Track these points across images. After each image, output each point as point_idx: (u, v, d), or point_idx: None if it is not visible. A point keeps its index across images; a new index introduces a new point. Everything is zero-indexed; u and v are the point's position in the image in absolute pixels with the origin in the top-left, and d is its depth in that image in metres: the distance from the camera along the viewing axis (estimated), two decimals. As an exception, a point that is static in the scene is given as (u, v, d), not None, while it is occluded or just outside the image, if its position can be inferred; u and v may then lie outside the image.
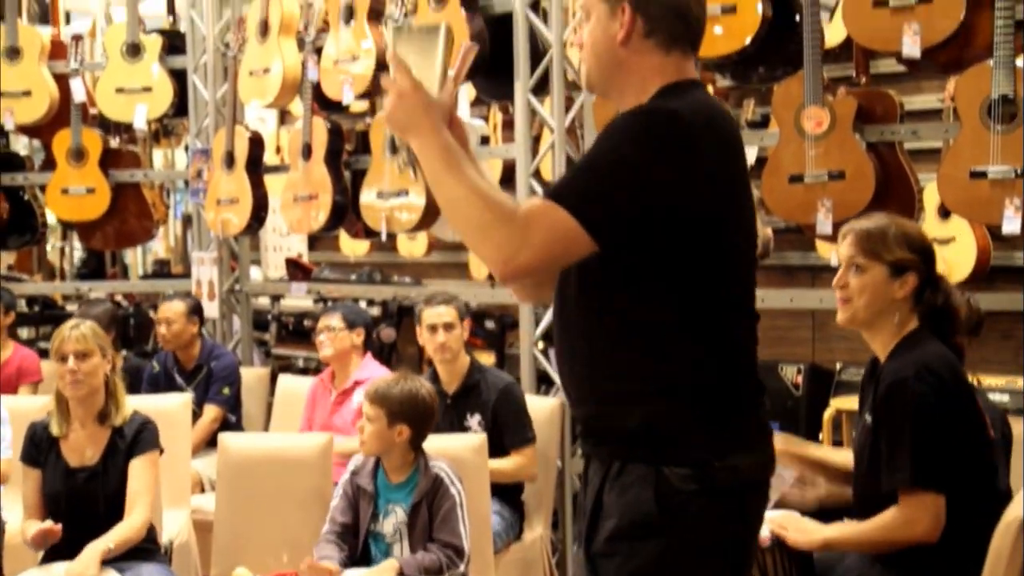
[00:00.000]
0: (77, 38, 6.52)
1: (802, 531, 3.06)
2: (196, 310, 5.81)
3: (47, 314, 7.76)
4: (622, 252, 2.17)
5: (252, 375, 6.11)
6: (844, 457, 3.31)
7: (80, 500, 3.92)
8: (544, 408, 4.87)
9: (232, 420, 5.77)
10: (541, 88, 5.07)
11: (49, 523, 3.78)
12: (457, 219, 2.19)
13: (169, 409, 4.95)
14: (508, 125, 6.32)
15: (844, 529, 3.06)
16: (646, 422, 2.21)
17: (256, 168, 6.08)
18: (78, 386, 3.93)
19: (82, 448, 3.99)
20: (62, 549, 3.85)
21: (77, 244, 10.09)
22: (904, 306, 3.02)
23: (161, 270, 10.50)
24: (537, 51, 5.02)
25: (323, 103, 5.81)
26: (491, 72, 5.10)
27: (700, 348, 2.21)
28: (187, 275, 7.02)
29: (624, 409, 2.23)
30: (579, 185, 2.17)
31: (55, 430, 3.99)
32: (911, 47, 4.12)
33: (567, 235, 2.12)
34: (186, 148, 10.97)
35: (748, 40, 4.45)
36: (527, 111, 5.02)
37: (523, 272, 2.18)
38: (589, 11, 2.34)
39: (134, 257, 10.07)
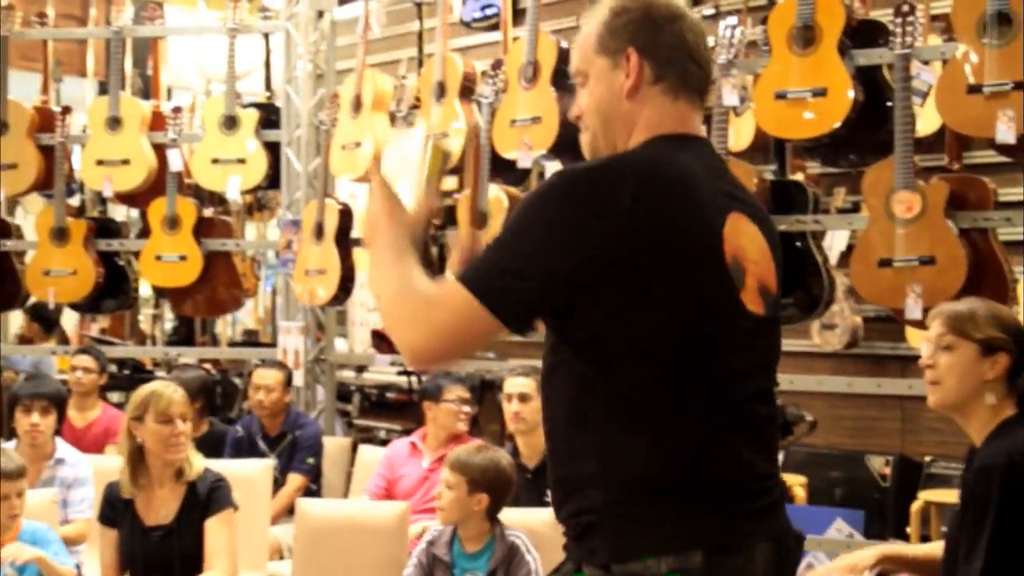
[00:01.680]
0: (177, 110, 6.69)
1: None
2: (290, 379, 5.90)
3: (136, 377, 7.88)
4: (555, 327, 2.02)
5: (334, 445, 6.15)
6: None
7: (156, 559, 3.95)
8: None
9: (314, 489, 5.80)
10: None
11: None
12: (381, 312, 2.10)
13: (251, 474, 5.00)
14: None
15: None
16: (579, 515, 2.02)
17: (345, 240, 6.16)
18: (180, 448, 3.99)
19: (157, 507, 4.02)
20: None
21: (169, 313, 10.30)
22: (997, 389, 2.93)
23: (249, 340, 10.66)
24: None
25: (412, 177, 5.87)
26: (579, 151, 5.12)
27: (637, 437, 1.96)
28: (274, 344, 7.11)
29: (566, 498, 2.05)
30: (481, 261, 1.98)
31: (126, 492, 4.03)
32: (1006, 133, 4.08)
33: (471, 318, 1.94)
34: (278, 221, 11.22)
35: (838, 124, 4.45)
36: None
37: (429, 360, 2.10)
38: (585, 74, 2.15)
39: (223, 327, 10.21)
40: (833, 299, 4.80)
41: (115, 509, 4.05)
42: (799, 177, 5.46)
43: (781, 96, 4.56)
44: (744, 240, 2.05)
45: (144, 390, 4.11)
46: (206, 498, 4.01)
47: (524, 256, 1.94)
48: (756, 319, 2.04)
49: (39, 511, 4.32)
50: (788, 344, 5.53)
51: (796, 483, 5.49)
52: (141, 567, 3.92)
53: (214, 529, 3.99)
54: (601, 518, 1.98)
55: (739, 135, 5.50)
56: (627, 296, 1.94)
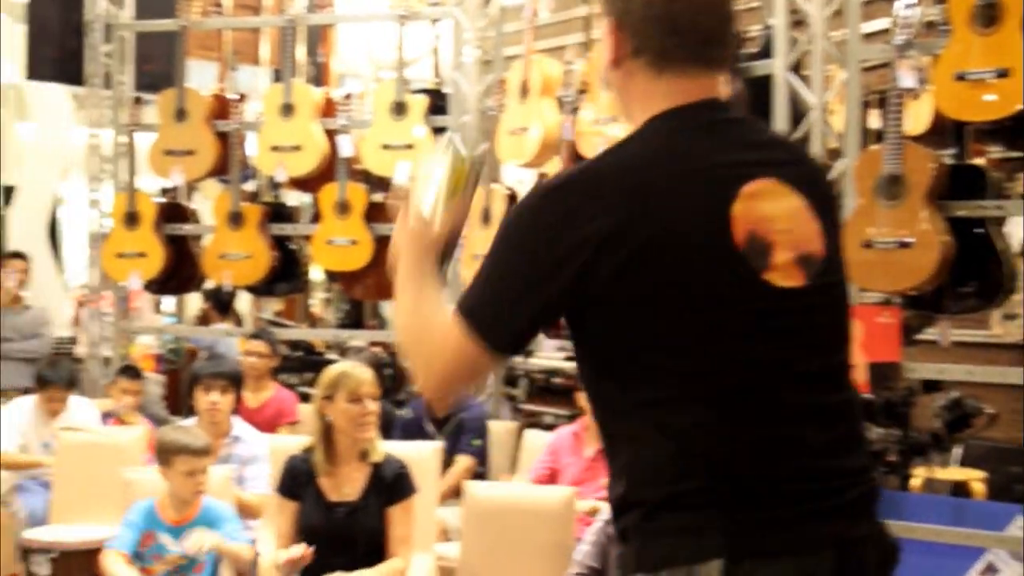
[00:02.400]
0: (348, 96, 6.81)
1: None
2: None
3: (308, 360, 8.06)
4: (569, 330, 1.92)
5: (501, 428, 6.19)
6: None
7: (340, 534, 4.04)
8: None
9: (480, 471, 5.85)
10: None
11: (301, 547, 3.89)
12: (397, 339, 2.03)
13: (421, 457, 5.05)
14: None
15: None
16: (616, 522, 1.93)
17: (511, 224, 6.17)
18: (368, 427, 4.07)
19: (341, 484, 4.11)
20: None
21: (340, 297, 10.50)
22: None
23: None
24: (796, 114, 4.96)
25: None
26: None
27: (656, 444, 1.84)
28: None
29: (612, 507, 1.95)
30: (476, 295, 1.88)
31: (318, 467, 4.12)
32: None
33: (470, 357, 1.85)
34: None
35: (1021, 106, 4.29)
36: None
37: (434, 395, 1.98)
38: None
39: (392, 309, 10.37)
40: (1015, 288, 4.64)
41: (297, 482, 4.15)
42: (980, 161, 5.29)
43: (961, 77, 4.42)
44: (768, 208, 1.85)
45: (334, 371, 4.20)
46: (391, 483, 4.10)
47: (512, 287, 1.84)
48: (792, 293, 1.85)
49: (216, 487, 4.47)
50: (967, 334, 5.36)
51: (975, 478, 5.33)
52: (324, 540, 4.00)
53: (398, 517, 4.07)
54: (629, 525, 1.87)
55: (917, 118, 5.34)
56: (619, 307, 1.81)
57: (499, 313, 1.85)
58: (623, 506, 1.87)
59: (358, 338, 7.63)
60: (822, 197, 1.94)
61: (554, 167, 6.32)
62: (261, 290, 7.41)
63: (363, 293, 7.17)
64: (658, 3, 1.89)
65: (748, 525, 1.78)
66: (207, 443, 4.31)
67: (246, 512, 4.83)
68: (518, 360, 7.19)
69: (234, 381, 5.21)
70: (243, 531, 4.29)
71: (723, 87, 1.97)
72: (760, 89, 5.03)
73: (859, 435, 1.96)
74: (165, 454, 4.28)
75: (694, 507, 1.80)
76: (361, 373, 4.13)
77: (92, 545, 4.93)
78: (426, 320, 1.92)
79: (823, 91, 4.86)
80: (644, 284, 1.79)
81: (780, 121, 4.91)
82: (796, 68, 4.94)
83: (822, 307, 1.90)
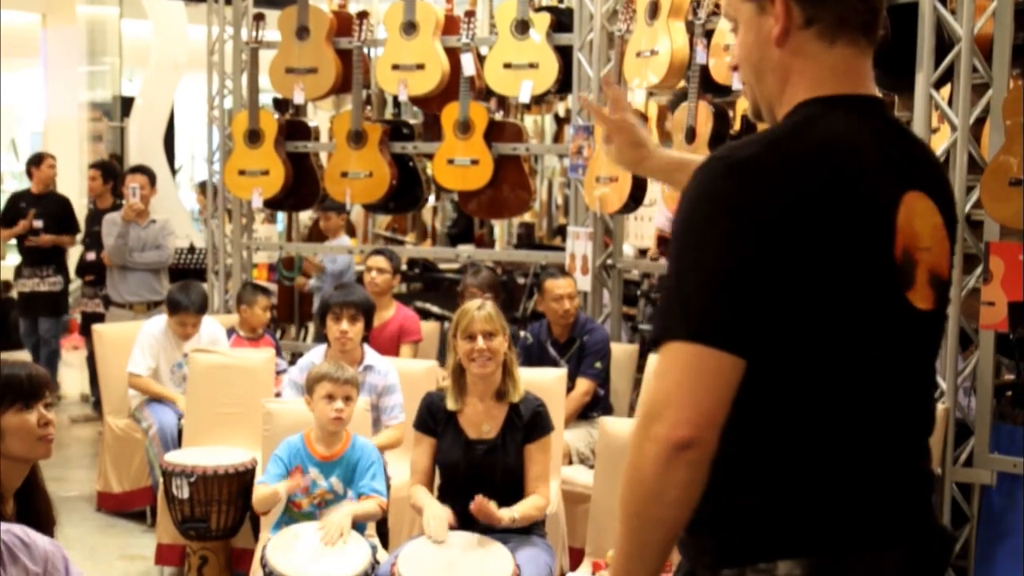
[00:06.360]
0: (469, 13, 6.74)
1: None
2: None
3: (427, 276, 8.12)
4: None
5: (621, 351, 6.20)
6: None
7: (479, 471, 4.09)
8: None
9: (601, 394, 5.87)
10: (941, 83, 4.86)
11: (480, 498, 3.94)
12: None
13: (546, 383, 5.09)
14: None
15: None
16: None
17: (637, 148, 6.11)
18: (486, 364, 4.10)
19: (479, 422, 4.15)
20: (460, 515, 4.02)
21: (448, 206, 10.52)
22: None
23: (527, 234, 10.80)
24: (942, 44, 4.80)
25: (708, 86, 5.77)
26: (890, 63, 4.92)
27: (754, 442, 1.79)
28: (552, 247, 7.20)
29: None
30: (683, 303, 1.73)
31: (451, 404, 4.17)
32: None
33: (704, 367, 1.69)
34: (556, 116, 11.26)
35: None
36: (928, 105, 4.81)
37: (694, 439, 1.69)
38: (735, 18, 1.92)
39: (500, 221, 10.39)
40: None
41: (435, 419, 4.21)
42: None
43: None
44: (918, 224, 1.80)
45: (460, 309, 4.23)
46: (529, 421, 4.13)
47: (714, 278, 1.70)
48: (923, 316, 1.83)
49: (354, 417, 4.50)
50: None
51: None
52: (463, 476, 4.07)
53: (535, 454, 4.12)
54: (708, 516, 1.79)
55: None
56: (780, 290, 1.71)
57: (714, 312, 1.70)
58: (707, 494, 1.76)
59: (475, 256, 7.63)
60: (952, 218, 1.92)
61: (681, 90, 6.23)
62: (380, 208, 7.45)
63: (478, 210, 7.17)
64: None
65: (835, 521, 1.78)
66: (351, 375, 4.37)
67: (386, 447, 4.91)
68: (635, 276, 7.18)
69: (364, 309, 5.25)
70: (382, 480, 4.36)
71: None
72: (902, 17, 4.87)
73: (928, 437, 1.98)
74: (310, 383, 4.36)
75: (777, 502, 1.78)
76: (476, 310, 4.15)
77: (229, 469, 5.06)
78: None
79: (972, 20, 4.68)
80: (810, 272, 1.71)
81: (926, 51, 4.76)
82: (943, -3, 4.76)
83: (933, 329, 1.90)
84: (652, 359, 5.85)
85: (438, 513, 4.00)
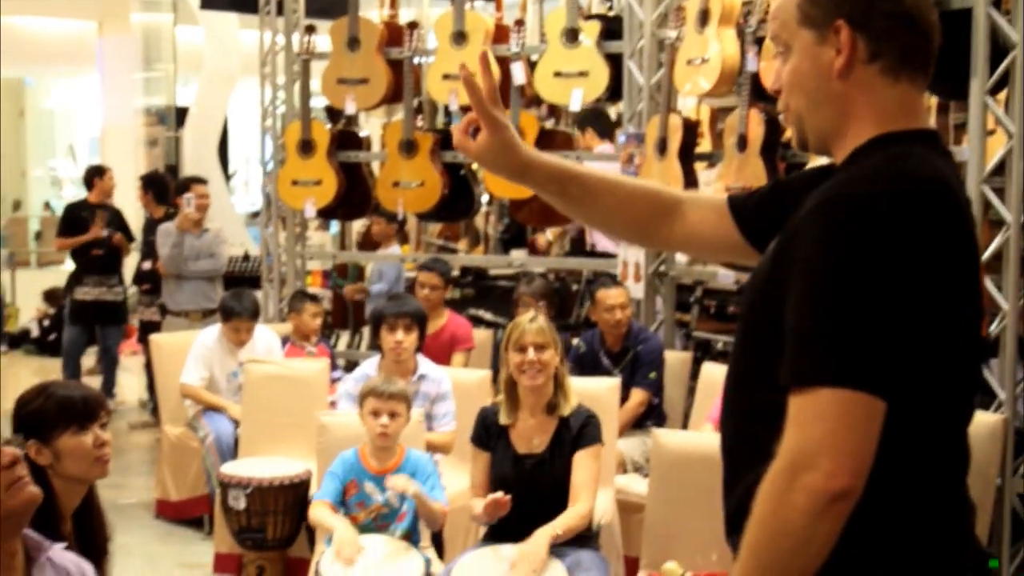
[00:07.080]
0: (519, 22, 6.75)
1: None
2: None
3: (480, 284, 8.14)
4: None
5: (675, 359, 6.18)
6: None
7: (527, 485, 4.11)
8: (985, 424, 4.67)
9: (655, 403, 5.87)
10: (996, 89, 4.81)
11: (499, 494, 3.96)
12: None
13: (598, 392, 5.10)
14: (959, 126, 6.03)
15: None
16: None
17: (688, 155, 6.11)
18: (536, 376, 4.11)
19: (530, 436, 4.17)
20: (507, 529, 4.05)
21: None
22: None
23: (579, 238, 10.78)
24: (997, 50, 4.75)
25: (759, 94, 5.75)
26: (942, 69, 4.87)
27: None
28: (605, 254, 7.19)
29: None
30: (827, 346, 1.67)
31: (503, 419, 4.19)
32: None
33: (858, 413, 1.64)
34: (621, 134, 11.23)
35: None
36: (982, 112, 4.77)
37: (852, 489, 1.65)
38: (787, 44, 1.88)
39: (552, 226, 10.36)
40: None
41: (489, 433, 4.24)
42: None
43: None
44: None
45: (514, 321, 4.26)
46: (578, 432, 4.14)
47: (862, 320, 1.66)
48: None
49: (407, 427, 4.53)
50: None
51: None
52: (513, 490, 4.07)
53: (582, 462, 4.12)
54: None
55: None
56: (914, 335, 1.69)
57: (868, 351, 1.66)
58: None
59: (528, 264, 7.64)
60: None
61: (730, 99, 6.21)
62: (432, 216, 7.48)
63: (529, 217, 7.17)
64: (901, 0, 1.82)
65: (936, 549, 1.80)
66: (397, 390, 4.38)
67: (434, 449, 4.94)
68: (689, 283, 7.15)
69: (417, 319, 5.28)
70: (441, 491, 4.39)
71: None
72: (955, 23, 4.83)
73: None
74: (361, 397, 4.39)
75: (891, 531, 1.78)
76: (527, 323, 4.17)
77: (284, 481, 5.11)
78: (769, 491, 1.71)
79: (1027, 26, 4.63)
80: (944, 310, 1.71)
81: (980, 57, 4.71)
82: (997, 2, 4.71)
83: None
84: (707, 367, 5.85)
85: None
